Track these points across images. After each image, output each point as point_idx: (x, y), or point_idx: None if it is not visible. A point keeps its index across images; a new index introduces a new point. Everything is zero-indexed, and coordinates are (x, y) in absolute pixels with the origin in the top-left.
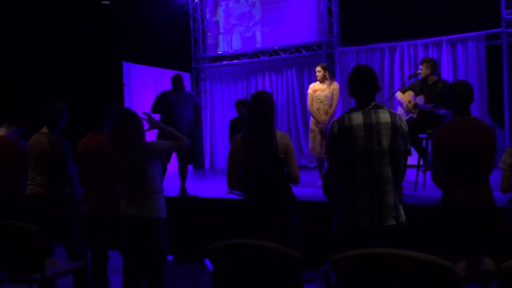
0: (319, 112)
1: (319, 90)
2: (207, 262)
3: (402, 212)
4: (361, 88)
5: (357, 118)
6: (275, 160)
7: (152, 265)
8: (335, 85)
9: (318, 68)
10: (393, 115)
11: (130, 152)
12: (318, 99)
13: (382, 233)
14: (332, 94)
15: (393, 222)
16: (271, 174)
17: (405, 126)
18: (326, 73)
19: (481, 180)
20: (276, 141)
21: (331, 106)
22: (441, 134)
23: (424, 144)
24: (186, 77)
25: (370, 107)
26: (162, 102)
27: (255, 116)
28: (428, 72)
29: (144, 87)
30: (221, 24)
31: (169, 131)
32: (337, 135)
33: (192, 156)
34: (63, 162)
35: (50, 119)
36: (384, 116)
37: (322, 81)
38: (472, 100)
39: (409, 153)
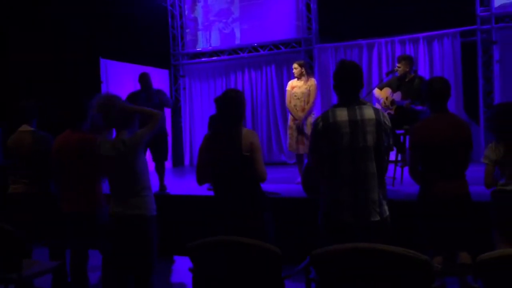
0: (296, 109)
1: (296, 87)
2: (180, 260)
3: (386, 207)
4: (346, 84)
5: (342, 114)
6: (241, 158)
7: (141, 265)
8: (312, 81)
9: (295, 65)
10: (376, 111)
11: (117, 147)
12: (295, 95)
13: (367, 229)
14: (309, 90)
15: (377, 218)
16: (240, 172)
17: (388, 122)
18: (303, 70)
19: (457, 176)
20: (241, 139)
21: (307, 102)
22: (419, 130)
23: (402, 140)
24: (164, 74)
25: (354, 103)
26: (131, 103)
27: (224, 114)
28: (407, 69)
29: (122, 84)
30: (200, 20)
31: (142, 111)
32: (322, 131)
33: (164, 153)
34: (48, 159)
35: (26, 116)
36: (369, 112)
37: (299, 77)
38: (449, 96)
39: (391, 149)
